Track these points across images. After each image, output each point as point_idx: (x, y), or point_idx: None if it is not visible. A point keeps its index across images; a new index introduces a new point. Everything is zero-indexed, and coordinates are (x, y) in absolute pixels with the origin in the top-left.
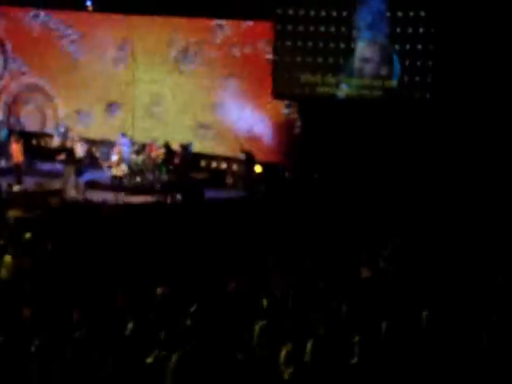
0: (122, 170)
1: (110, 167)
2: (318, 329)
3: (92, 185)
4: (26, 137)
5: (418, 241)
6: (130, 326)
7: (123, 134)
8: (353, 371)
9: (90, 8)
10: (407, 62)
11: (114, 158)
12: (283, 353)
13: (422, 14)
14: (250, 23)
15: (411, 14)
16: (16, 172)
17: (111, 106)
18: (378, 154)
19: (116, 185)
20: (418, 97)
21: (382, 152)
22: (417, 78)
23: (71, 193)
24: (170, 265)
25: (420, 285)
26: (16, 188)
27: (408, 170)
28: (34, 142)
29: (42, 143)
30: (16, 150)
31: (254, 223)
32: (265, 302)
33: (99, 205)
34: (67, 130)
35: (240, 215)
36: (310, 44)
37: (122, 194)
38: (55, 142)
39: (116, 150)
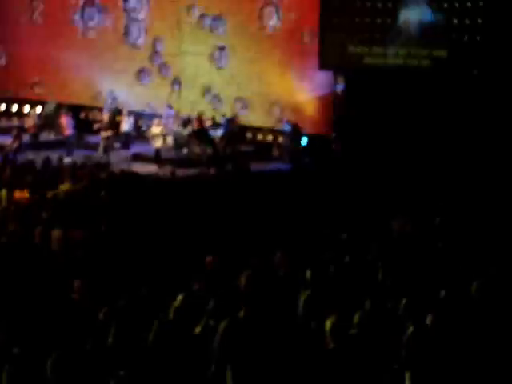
0: (162, 141)
1: (152, 139)
2: (364, 301)
3: (138, 157)
4: (74, 110)
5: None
6: (179, 297)
7: (169, 106)
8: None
9: None
10: (454, 36)
11: (155, 130)
12: (328, 324)
13: None
14: None
15: None
16: (66, 145)
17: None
18: (424, 126)
19: (159, 157)
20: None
21: (428, 123)
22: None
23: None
24: (218, 235)
25: (468, 256)
26: (66, 160)
27: (454, 142)
28: (83, 115)
29: (91, 116)
30: (65, 122)
31: (300, 195)
32: (308, 274)
33: (145, 177)
34: (115, 103)
35: (286, 187)
36: (357, 15)
37: (167, 166)
38: (104, 115)
39: (156, 121)
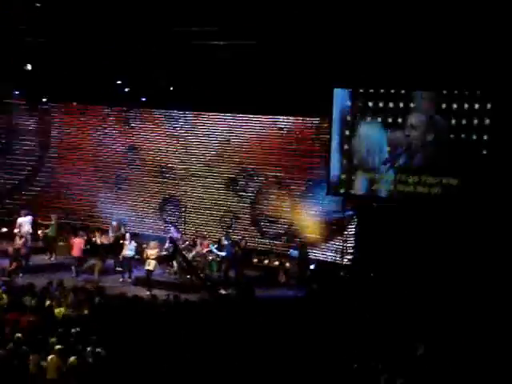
0: (154, 264)
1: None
2: None
3: (140, 281)
4: (74, 231)
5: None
6: None
7: (174, 227)
8: None
9: None
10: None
11: (150, 252)
12: None
13: None
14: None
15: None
16: (75, 265)
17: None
18: (436, 255)
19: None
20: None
21: (440, 252)
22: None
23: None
24: (219, 365)
25: None
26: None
27: (467, 271)
28: (85, 237)
29: (93, 239)
30: (78, 244)
31: (306, 322)
32: None
33: (147, 301)
34: (120, 225)
35: (292, 314)
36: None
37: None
38: (110, 237)
39: (151, 244)
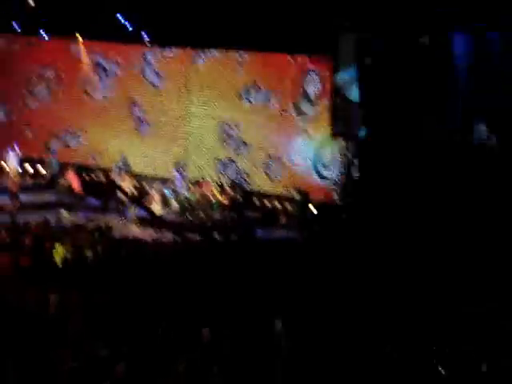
0: (159, 207)
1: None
2: None
3: (141, 221)
4: (77, 170)
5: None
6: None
7: (177, 170)
8: None
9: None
10: None
11: (155, 195)
12: None
13: None
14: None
15: None
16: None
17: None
18: (438, 198)
19: (161, 222)
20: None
21: (443, 196)
22: None
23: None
24: (217, 305)
25: None
26: (65, 215)
27: (471, 220)
28: (86, 176)
29: (94, 178)
30: (75, 179)
31: (307, 265)
32: None
33: (147, 243)
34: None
35: (292, 256)
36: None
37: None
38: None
39: (157, 187)
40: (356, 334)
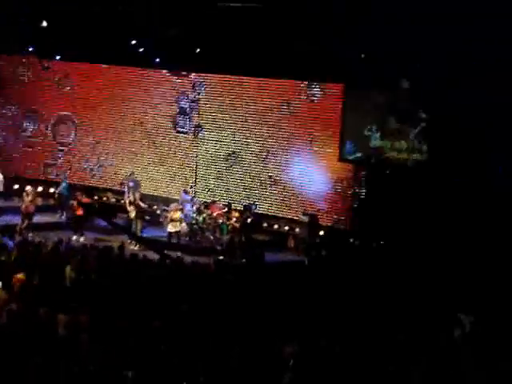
0: (177, 227)
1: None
2: None
3: (150, 242)
4: (87, 191)
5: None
6: None
7: (185, 192)
8: None
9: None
10: None
11: (171, 214)
12: None
13: None
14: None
15: None
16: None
17: None
18: (448, 223)
19: (171, 242)
20: None
21: (452, 221)
22: None
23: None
24: (226, 326)
25: None
26: (76, 239)
27: (478, 240)
28: (96, 197)
29: (104, 199)
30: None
31: (314, 289)
32: None
33: (157, 262)
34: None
35: (300, 280)
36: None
37: (179, 252)
38: (125, 197)
39: (172, 206)
40: (364, 354)
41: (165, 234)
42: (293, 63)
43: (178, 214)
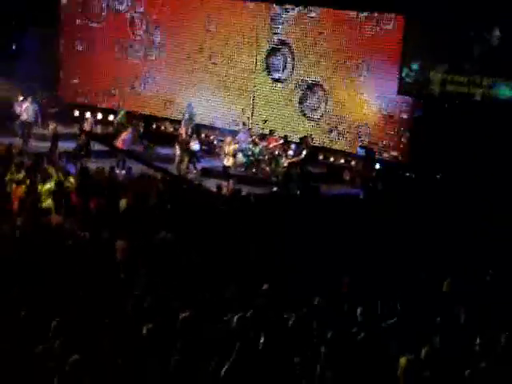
0: (233, 161)
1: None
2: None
3: (207, 172)
4: (145, 120)
5: None
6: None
7: (243, 123)
8: None
9: None
10: None
11: (226, 148)
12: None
13: None
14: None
15: None
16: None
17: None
18: (503, 159)
19: (227, 174)
20: None
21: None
22: None
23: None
24: (279, 259)
25: None
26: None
27: None
28: (154, 126)
29: (162, 128)
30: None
31: (369, 221)
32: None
33: (212, 192)
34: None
35: (355, 213)
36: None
37: (232, 182)
38: (182, 128)
39: (227, 140)
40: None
41: (220, 165)
42: None
43: (232, 148)
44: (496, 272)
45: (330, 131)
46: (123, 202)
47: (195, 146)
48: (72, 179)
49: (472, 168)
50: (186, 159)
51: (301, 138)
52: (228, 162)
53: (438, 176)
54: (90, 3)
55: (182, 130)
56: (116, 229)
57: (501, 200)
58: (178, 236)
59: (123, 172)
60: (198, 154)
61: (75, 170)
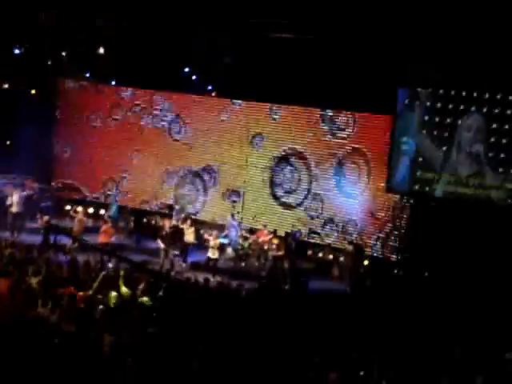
0: (218, 254)
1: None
2: None
3: (196, 266)
4: (137, 214)
5: None
6: None
7: (233, 216)
8: None
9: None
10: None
11: (212, 241)
12: None
13: None
14: (368, 115)
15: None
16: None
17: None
18: (493, 256)
19: (213, 267)
20: None
21: (497, 254)
22: None
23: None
24: (264, 354)
25: None
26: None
27: None
28: (145, 220)
29: (153, 222)
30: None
31: (357, 319)
32: None
33: (199, 286)
34: (182, 210)
35: (343, 310)
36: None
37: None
38: (172, 221)
39: (214, 233)
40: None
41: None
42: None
43: (218, 242)
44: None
45: (321, 226)
46: (112, 296)
47: (190, 236)
48: (63, 271)
49: (460, 266)
50: (172, 252)
51: (287, 233)
52: (214, 255)
53: (426, 274)
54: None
55: (169, 223)
56: (104, 323)
57: (488, 298)
58: (166, 331)
59: (110, 265)
60: (191, 246)
61: (66, 262)
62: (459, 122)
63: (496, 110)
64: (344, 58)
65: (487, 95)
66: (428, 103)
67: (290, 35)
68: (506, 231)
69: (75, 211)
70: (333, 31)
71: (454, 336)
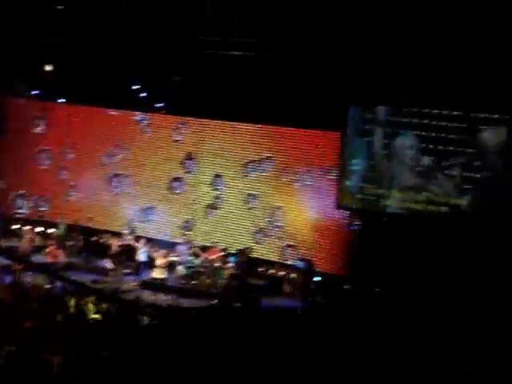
0: (164, 273)
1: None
2: None
3: (147, 285)
4: (85, 233)
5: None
6: None
7: (183, 235)
8: None
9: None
10: None
11: (159, 260)
12: None
13: None
14: (318, 132)
15: None
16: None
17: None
18: (444, 270)
19: (165, 287)
20: None
21: (448, 268)
22: None
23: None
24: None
25: None
26: None
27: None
28: (95, 238)
29: (102, 240)
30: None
31: (309, 335)
32: None
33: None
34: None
35: (296, 326)
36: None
37: (170, 296)
38: (123, 240)
39: (161, 252)
40: None
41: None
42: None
43: (165, 261)
44: None
45: (273, 243)
46: (59, 317)
47: (142, 255)
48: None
49: (412, 281)
50: (122, 272)
51: (239, 250)
52: (158, 274)
53: (377, 290)
54: None
55: (118, 243)
56: (53, 344)
57: (440, 315)
58: (116, 352)
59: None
60: (143, 264)
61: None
62: (402, 139)
63: (432, 123)
64: (294, 75)
65: (426, 110)
66: (378, 121)
67: (239, 53)
68: (456, 244)
69: (23, 230)
70: (282, 49)
71: (407, 352)
